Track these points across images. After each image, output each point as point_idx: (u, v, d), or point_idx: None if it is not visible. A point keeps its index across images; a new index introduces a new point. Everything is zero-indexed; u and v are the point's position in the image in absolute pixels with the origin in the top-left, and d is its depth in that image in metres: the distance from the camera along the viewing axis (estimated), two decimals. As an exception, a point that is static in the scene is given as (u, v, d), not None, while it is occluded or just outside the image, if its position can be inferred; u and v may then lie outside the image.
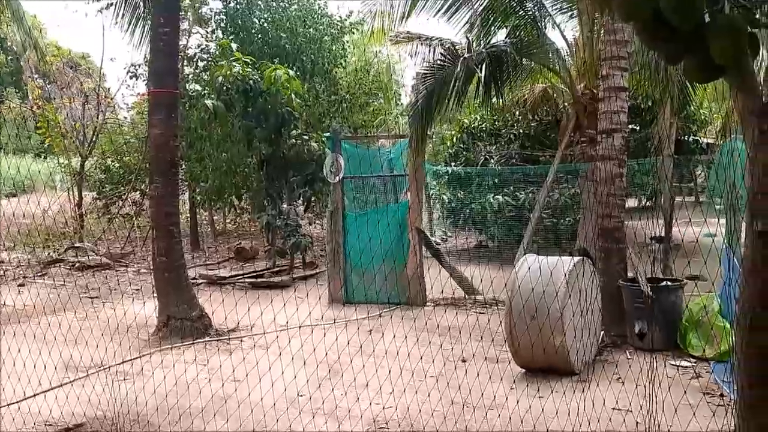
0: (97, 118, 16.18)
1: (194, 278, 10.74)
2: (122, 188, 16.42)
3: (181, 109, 12.03)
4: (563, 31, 10.93)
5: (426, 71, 9.64)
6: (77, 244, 14.39)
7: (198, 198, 15.10)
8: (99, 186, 16.89)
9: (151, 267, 8.52)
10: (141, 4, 10.46)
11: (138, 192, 16.26)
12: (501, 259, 11.63)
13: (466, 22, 11.05)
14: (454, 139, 15.24)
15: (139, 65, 14.59)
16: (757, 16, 3.80)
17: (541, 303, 5.76)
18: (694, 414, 4.54)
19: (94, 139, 16.30)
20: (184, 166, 14.03)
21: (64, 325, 6.78)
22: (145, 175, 14.15)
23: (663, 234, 10.90)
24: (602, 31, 8.18)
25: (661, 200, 11.71)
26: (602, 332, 6.81)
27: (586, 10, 9.62)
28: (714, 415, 4.72)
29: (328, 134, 10.86)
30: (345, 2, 21.27)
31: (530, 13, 10.35)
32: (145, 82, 14.08)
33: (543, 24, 10.48)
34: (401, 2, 11.59)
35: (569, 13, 10.74)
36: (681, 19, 3.32)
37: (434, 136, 16.20)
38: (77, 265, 12.95)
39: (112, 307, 8.84)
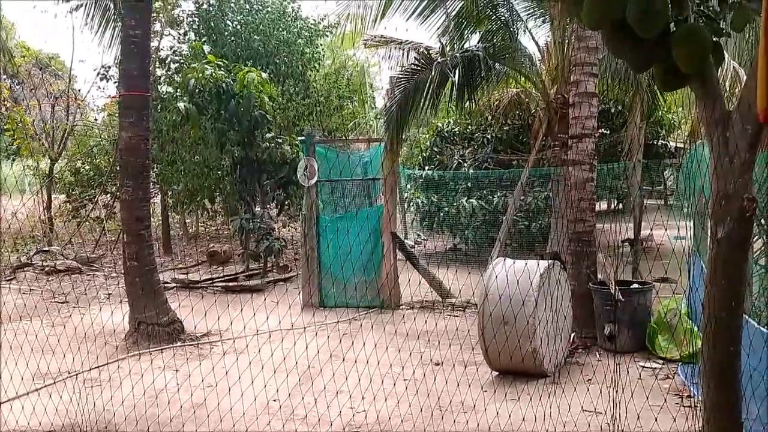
0: (67, 120, 15.94)
1: (166, 282, 10.63)
2: (92, 191, 16.20)
3: (152, 111, 11.92)
4: (535, 37, 11.07)
5: (400, 76, 9.69)
6: (46, 248, 14.16)
7: (170, 201, 14.95)
8: (68, 189, 16.64)
9: (122, 271, 8.42)
10: (111, 5, 10.33)
11: (109, 195, 16.05)
12: (475, 261, 11.69)
13: (440, 26, 11.11)
14: (428, 143, 15.30)
15: (110, 67, 14.40)
16: (721, 26, 3.89)
17: (513, 308, 5.82)
18: (656, 419, 4.62)
19: (63, 141, 16.06)
20: (156, 169, 13.88)
21: (34, 332, 6.67)
22: (115, 178, 13.98)
23: (633, 237, 11.07)
24: (573, 38, 8.29)
25: (631, 203, 11.89)
26: (572, 334, 6.89)
27: (557, 16, 9.74)
28: (681, 416, 4.80)
29: (302, 137, 10.83)
30: (319, 5, 21.11)
31: (503, 18, 10.43)
32: (116, 84, 13.91)
33: (515, 29, 10.57)
34: (375, 5, 11.60)
35: (541, 19, 10.86)
36: (646, 29, 3.38)
37: (408, 140, 16.25)
38: (46, 269, 12.73)
39: (82, 313, 8.72)
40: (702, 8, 3.74)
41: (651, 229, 11.95)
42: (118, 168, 8.61)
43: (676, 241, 7.61)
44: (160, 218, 15.60)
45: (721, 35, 3.96)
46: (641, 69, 4.77)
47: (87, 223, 16.23)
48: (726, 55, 6.71)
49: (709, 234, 3.93)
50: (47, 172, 15.92)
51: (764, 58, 1.11)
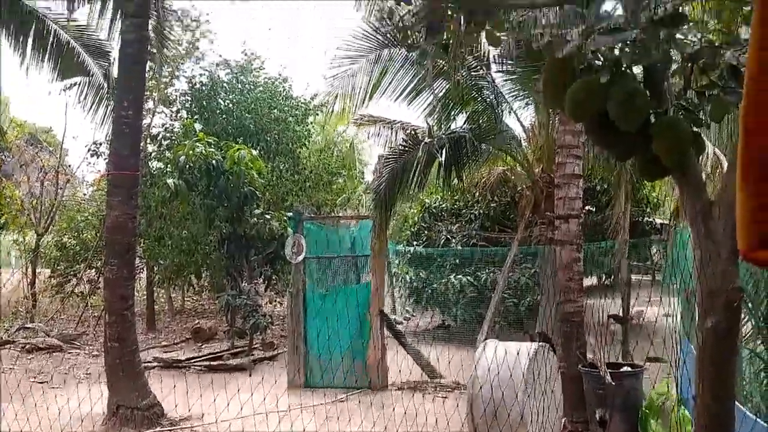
0: (56, 195, 15.95)
1: (148, 362, 10.40)
2: (77, 266, 16.04)
3: (141, 187, 11.97)
4: (520, 118, 11.31)
5: (388, 155, 9.86)
6: (28, 325, 13.89)
7: (156, 277, 14.82)
8: (54, 263, 16.48)
9: (104, 350, 8.23)
10: (105, 85, 10.51)
11: (94, 270, 15.89)
12: (464, 339, 11.55)
13: (427, 107, 11.35)
14: (416, 218, 15.39)
15: (101, 144, 14.54)
16: (700, 116, 3.99)
17: (503, 394, 5.71)
18: None
19: (51, 215, 16.02)
20: (142, 244, 13.82)
21: (10, 415, 6.44)
22: (101, 253, 13.89)
23: (622, 314, 11.01)
24: (557, 120, 8.49)
25: (618, 279, 11.90)
26: (564, 419, 6.74)
27: (541, 103, 10.02)
28: None
29: (290, 213, 10.87)
30: (310, 83, 21.58)
31: (488, 99, 10.70)
32: (106, 160, 14.01)
33: (500, 110, 10.83)
34: (363, 86, 11.88)
35: (525, 101, 11.13)
36: (626, 122, 3.46)
37: (396, 215, 16.35)
38: (27, 347, 12.45)
39: (61, 394, 8.46)
40: (680, 101, 3.84)
41: (634, 305, 11.91)
42: (104, 244, 8.57)
43: (665, 318, 7.56)
44: (145, 293, 15.42)
45: (700, 125, 4.05)
46: (623, 159, 4.85)
47: (70, 298, 15.99)
48: (707, 142, 6.89)
49: (696, 321, 3.91)
50: (33, 247, 15.80)
51: (742, 192, 1.12)
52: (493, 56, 10.55)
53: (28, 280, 15.89)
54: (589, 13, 3.26)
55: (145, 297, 15.42)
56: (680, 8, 3.46)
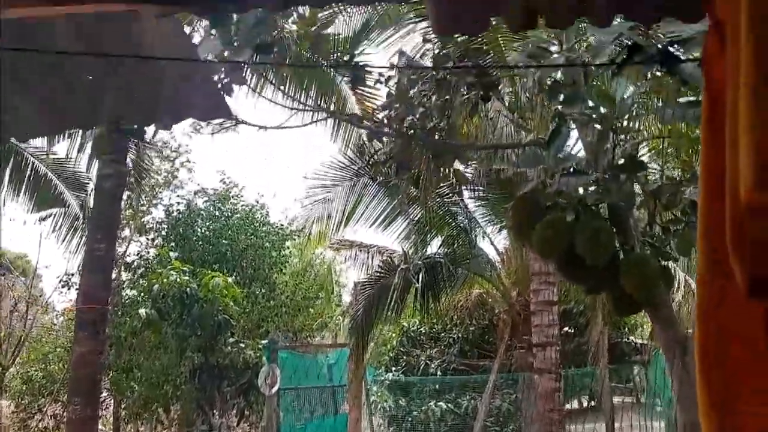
0: (25, 326, 15.50)
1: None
2: (43, 399, 15.31)
3: (112, 317, 11.69)
4: (494, 241, 11.46)
5: (365, 282, 9.86)
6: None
7: (123, 412, 14.16)
8: (18, 397, 15.73)
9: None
10: (81, 215, 10.53)
11: (59, 403, 15.17)
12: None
13: (402, 232, 11.49)
14: (395, 343, 15.14)
15: (73, 274, 14.33)
16: (667, 250, 4.05)
17: None
18: None
19: (19, 346, 15.48)
20: (110, 376, 13.30)
21: None
22: (67, 386, 13.33)
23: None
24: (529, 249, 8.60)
25: (602, 403, 11.64)
26: None
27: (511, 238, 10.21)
28: None
29: (265, 342, 10.63)
30: (288, 208, 21.90)
31: (462, 224, 10.88)
32: (77, 290, 13.77)
33: (474, 235, 10.99)
34: (339, 212, 12.05)
35: (498, 225, 11.33)
36: (593, 257, 3.50)
37: (374, 339, 16.08)
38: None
39: None
40: (646, 236, 3.92)
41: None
42: (69, 380, 8.24)
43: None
44: (112, 428, 14.66)
45: (668, 259, 4.12)
46: (594, 293, 4.87)
47: (33, 435, 15.14)
48: (678, 270, 7.01)
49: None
50: (-3, 380, 15.13)
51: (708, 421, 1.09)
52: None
53: (-10, 416, 15.08)
54: (548, 155, 3.40)
55: (111, 432, 14.65)
56: (638, 155, 3.62)
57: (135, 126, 3.52)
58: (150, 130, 9.06)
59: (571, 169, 3.41)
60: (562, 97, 3.09)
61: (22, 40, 2.03)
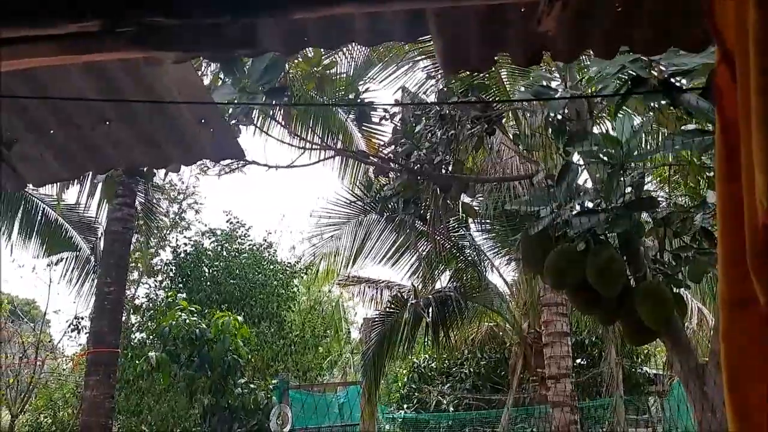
0: (34, 372, 15.43)
1: None
2: (52, 447, 15.16)
3: (121, 360, 11.64)
4: (503, 274, 11.42)
5: (375, 318, 9.83)
6: None
7: (133, 457, 13.98)
8: (27, 446, 15.58)
9: None
10: (92, 258, 10.58)
11: (69, 451, 15.01)
12: None
13: (411, 267, 11.47)
14: (405, 380, 15.00)
15: (82, 318, 14.33)
16: (679, 277, 4.03)
17: None
18: None
19: (28, 393, 15.38)
20: (120, 419, 13.18)
21: None
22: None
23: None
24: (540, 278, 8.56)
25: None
26: None
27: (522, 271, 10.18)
28: None
29: (275, 381, 10.55)
30: (296, 245, 21.91)
31: (470, 257, 10.86)
32: (87, 334, 13.75)
33: (483, 267, 10.96)
34: (347, 248, 12.06)
35: (506, 257, 11.30)
36: (605, 289, 3.49)
37: (385, 376, 15.93)
38: None
39: None
40: (657, 264, 3.91)
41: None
42: (79, 427, 8.16)
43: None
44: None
45: (680, 287, 4.10)
46: (607, 323, 4.85)
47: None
48: (690, 298, 6.97)
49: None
50: (7, 429, 15.00)
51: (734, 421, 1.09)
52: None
53: (-1, 467, 14.90)
54: (559, 191, 3.41)
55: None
56: (644, 183, 3.63)
57: (146, 168, 3.58)
58: (159, 171, 9.13)
59: (583, 206, 3.43)
60: (567, 135, 3.13)
61: (35, 89, 2.08)
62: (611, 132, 3.55)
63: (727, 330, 1.05)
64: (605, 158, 3.01)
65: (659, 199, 5.51)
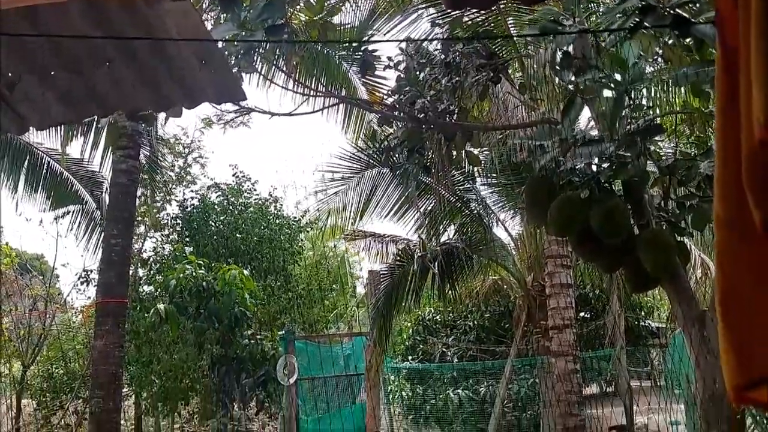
0: (44, 324, 15.68)
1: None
2: (64, 396, 15.50)
3: (131, 312, 11.81)
4: (508, 228, 11.43)
5: (383, 270, 9.90)
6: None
7: (144, 405, 14.31)
8: (40, 395, 15.93)
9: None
10: (98, 212, 10.64)
11: (81, 400, 15.35)
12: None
13: (416, 221, 11.50)
14: (410, 332, 15.19)
15: (91, 271, 14.49)
16: (682, 225, 4.03)
17: None
18: None
19: (39, 345, 15.66)
20: (130, 371, 13.45)
21: None
22: (89, 383, 13.50)
23: (624, 423, 10.64)
24: (544, 230, 8.58)
25: (620, 387, 11.60)
26: None
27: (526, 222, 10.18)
28: None
29: (282, 333, 10.71)
30: (301, 200, 21.95)
31: (475, 211, 10.87)
32: (96, 287, 13.92)
33: (488, 221, 10.97)
34: (353, 204, 12.07)
35: (512, 211, 11.31)
36: (609, 236, 3.49)
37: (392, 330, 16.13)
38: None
39: None
40: (662, 212, 3.91)
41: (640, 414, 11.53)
42: (90, 374, 8.35)
43: (672, 427, 7.32)
44: (133, 422, 14.84)
45: (683, 235, 4.10)
46: (610, 271, 4.86)
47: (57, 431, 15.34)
48: (694, 249, 6.99)
49: (701, 430, 3.78)
50: (19, 379, 15.33)
51: (725, 329, 1.10)
52: (477, 169, 10.84)
53: (13, 413, 15.28)
54: (563, 126, 3.39)
55: (133, 427, 14.82)
56: (654, 120, 3.60)
57: (148, 112, 3.56)
58: (161, 123, 9.11)
59: (586, 140, 3.40)
60: (574, 69, 3.09)
61: (35, 27, 2.06)
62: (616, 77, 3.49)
63: (722, 251, 1.05)
64: (611, 86, 2.98)
65: (665, 149, 5.49)
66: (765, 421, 5.40)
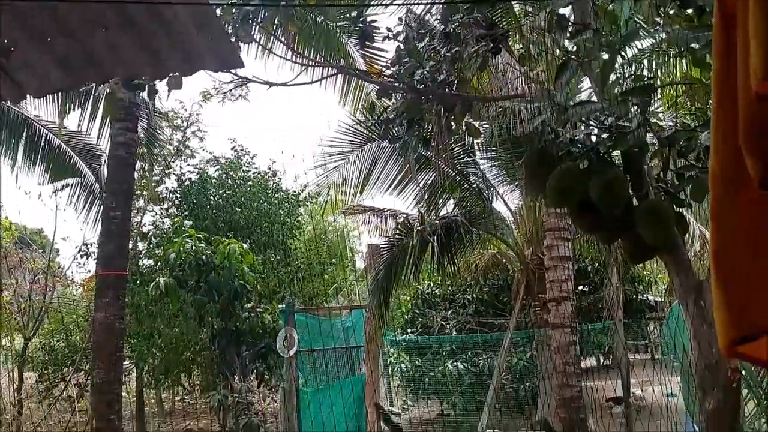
0: (45, 297, 15.75)
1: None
2: (66, 369, 15.64)
3: (131, 285, 11.85)
4: (507, 202, 11.43)
5: (383, 245, 9.92)
6: (12, 434, 13.38)
7: (145, 378, 14.45)
8: (41, 367, 16.07)
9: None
10: (97, 186, 10.63)
11: (82, 372, 15.49)
12: (464, 428, 11.21)
13: (416, 196, 11.49)
14: (410, 305, 15.27)
15: (91, 244, 14.52)
16: (681, 197, 4.03)
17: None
18: None
19: (40, 318, 15.75)
20: (131, 344, 13.55)
21: None
22: (90, 355, 13.61)
23: (621, 395, 10.76)
24: (543, 203, 8.58)
25: (617, 359, 11.70)
26: None
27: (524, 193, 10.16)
28: None
29: (282, 306, 10.76)
30: (300, 175, 21.91)
31: (475, 185, 10.86)
32: (95, 260, 13.97)
33: (488, 195, 10.97)
34: (352, 178, 12.04)
35: (511, 185, 11.30)
36: (608, 206, 3.50)
37: (390, 303, 16.21)
38: (10, 458, 11.95)
39: None
40: (661, 183, 3.90)
41: (640, 386, 11.66)
42: (91, 346, 8.41)
43: (669, 399, 7.38)
44: (134, 394, 14.98)
45: (682, 206, 4.10)
46: (608, 242, 4.86)
47: (58, 404, 15.50)
48: (692, 221, 7.00)
49: (698, 402, 3.82)
50: (20, 352, 15.44)
51: (716, 284, 1.11)
52: (477, 143, 10.81)
53: (15, 386, 15.43)
54: (557, 89, 3.38)
55: (134, 399, 14.97)
56: (647, 80, 3.59)
57: (147, 82, 3.53)
58: (161, 97, 9.05)
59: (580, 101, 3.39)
60: (568, 31, 3.07)
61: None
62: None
63: (717, 207, 1.06)
64: (604, 45, 2.96)
65: (666, 122, 5.47)
66: (761, 392, 5.45)
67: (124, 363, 12.14)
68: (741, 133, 0.91)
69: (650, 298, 14.96)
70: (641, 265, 13.92)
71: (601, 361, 16.36)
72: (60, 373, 15.86)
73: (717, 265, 1.07)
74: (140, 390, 15.12)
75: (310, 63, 5.18)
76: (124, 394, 11.80)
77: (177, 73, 2.43)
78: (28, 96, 2.40)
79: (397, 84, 4.53)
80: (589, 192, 3.55)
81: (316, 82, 4.90)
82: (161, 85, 4.25)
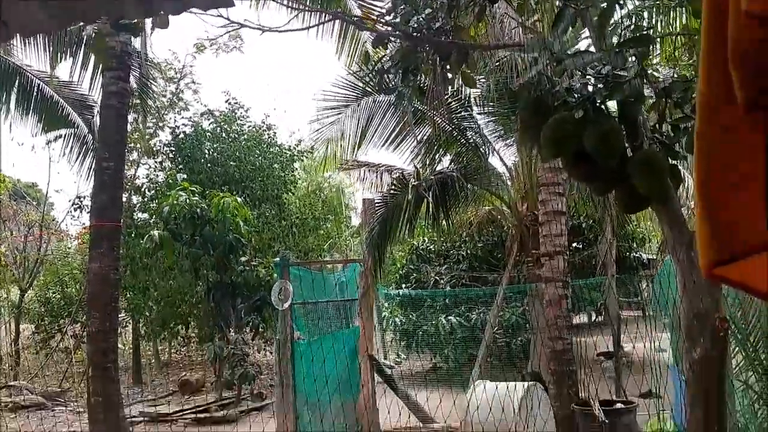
0: (39, 249, 15.79)
1: (134, 416, 10.16)
2: (62, 320, 15.79)
3: (126, 238, 11.87)
4: (503, 157, 11.39)
5: (378, 201, 9.89)
6: (12, 383, 13.58)
7: (142, 330, 14.61)
8: (38, 319, 16.22)
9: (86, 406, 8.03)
10: (90, 137, 10.53)
11: (78, 324, 15.64)
12: (456, 381, 11.39)
13: (412, 151, 11.44)
14: (404, 261, 15.36)
15: (85, 197, 14.49)
16: (676, 149, 4.01)
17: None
18: None
19: (35, 270, 15.82)
20: (128, 296, 13.65)
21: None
22: (85, 307, 13.70)
23: (612, 350, 10.94)
24: (538, 158, 8.55)
25: (609, 316, 11.85)
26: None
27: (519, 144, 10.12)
28: None
29: (276, 260, 10.80)
30: (295, 130, 21.79)
31: (471, 140, 10.81)
32: (89, 213, 13.95)
33: (484, 150, 10.93)
34: (348, 133, 11.96)
35: (507, 141, 11.25)
36: (603, 157, 3.48)
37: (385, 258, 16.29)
38: (10, 405, 12.14)
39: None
40: (656, 134, 3.88)
41: (632, 341, 11.82)
42: (86, 297, 8.45)
43: (658, 354, 7.50)
44: (131, 346, 15.17)
45: (676, 158, 4.09)
46: (603, 193, 4.87)
47: (55, 354, 15.69)
48: (686, 173, 6.97)
49: (685, 352, 3.88)
50: (17, 303, 15.56)
51: (699, 204, 1.11)
52: (474, 98, 10.72)
53: (12, 337, 15.60)
54: (554, 37, 3.33)
55: (131, 350, 15.16)
56: (649, 59, 3.54)
57: (134, 21, 3.44)
58: (149, 39, 8.89)
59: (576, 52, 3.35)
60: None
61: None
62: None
63: (702, 129, 1.05)
64: None
65: (664, 74, 5.41)
66: (749, 344, 5.53)
67: (120, 316, 12.26)
68: (730, 50, 0.90)
69: (643, 255, 15.08)
70: (635, 222, 14.00)
71: (593, 317, 16.57)
72: (56, 324, 16.02)
73: (701, 191, 1.07)
74: (137, 342, 15.29)
75: (306, 8, 5.08)
76: (120, 346, 11.95)
77: (164, 14, 2.37)
78: (15, 35, 2.35)
79: (392, 31, 4.45)
80: (585, 142, 3.52)
81: (310, 27, 4.80)
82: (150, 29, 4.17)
